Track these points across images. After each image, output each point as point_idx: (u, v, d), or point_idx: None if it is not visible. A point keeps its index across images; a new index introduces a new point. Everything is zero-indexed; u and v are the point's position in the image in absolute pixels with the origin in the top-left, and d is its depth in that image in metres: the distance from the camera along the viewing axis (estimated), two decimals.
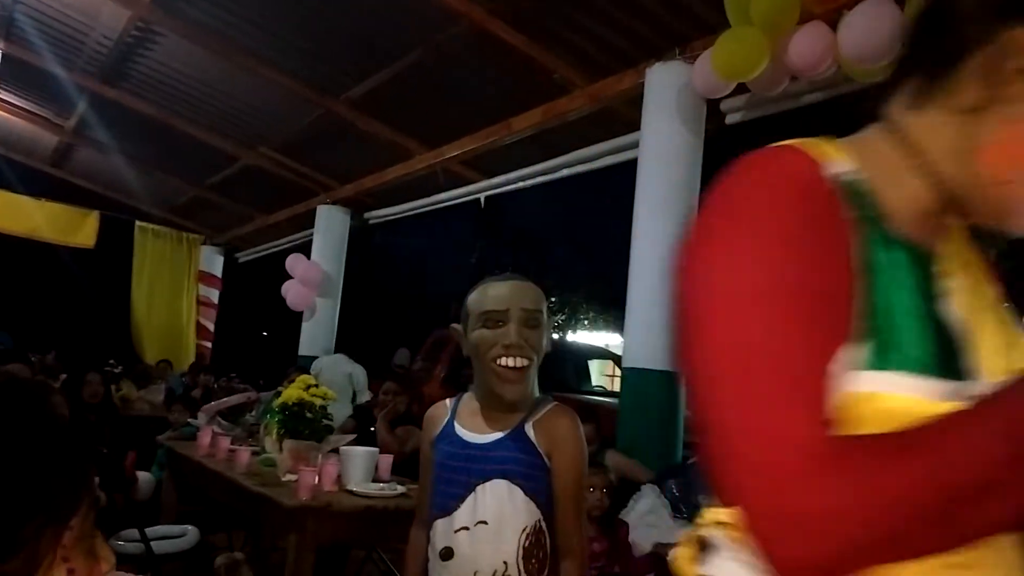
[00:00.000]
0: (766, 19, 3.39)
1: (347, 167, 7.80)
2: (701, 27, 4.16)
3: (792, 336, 0.60)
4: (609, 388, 8.47)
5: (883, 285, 0.65)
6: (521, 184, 6.44)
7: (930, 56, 0.71)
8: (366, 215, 8.54)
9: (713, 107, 4.44)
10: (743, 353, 0.60)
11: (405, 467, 3.30)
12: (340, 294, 8.40)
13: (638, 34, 4.47)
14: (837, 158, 0.70)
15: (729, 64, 3.60)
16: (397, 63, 5.59)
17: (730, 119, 4.57)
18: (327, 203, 8.40)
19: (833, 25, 3.35)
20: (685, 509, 3.23)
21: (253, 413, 4.97)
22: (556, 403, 1.69)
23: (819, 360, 0.60)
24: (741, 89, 4.01)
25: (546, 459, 1.61)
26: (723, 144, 4.67)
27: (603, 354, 9.14)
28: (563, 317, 15.10)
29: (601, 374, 9.23)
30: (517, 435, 1.62)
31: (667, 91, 4.33)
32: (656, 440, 4.12)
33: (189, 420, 4.70)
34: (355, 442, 3.31)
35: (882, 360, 0.62)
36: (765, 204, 0.64)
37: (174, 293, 11.11)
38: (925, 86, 0.71)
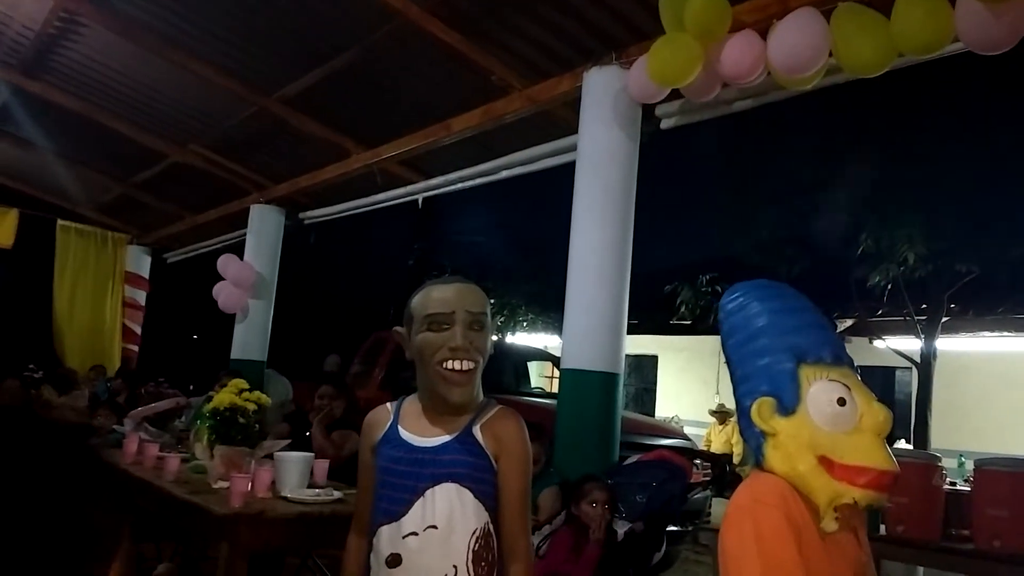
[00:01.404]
0: (699, 27, 3.46)
1: (281, 166, 7.66)
2: (637, 33, 4.23)
3: None
4: (548, 389, 8.52)
5: None
6: (460, 185, 6.43)
7: None
8: (301, 215, 8.38)
9: (648, 112, 4.52)
10: None
11: (342, 472, 3.25)
12: (274, 296, 8.22)
13: (575, 38, 4.51)
14: None
15: (663, 70, 3.66)
16: (333, 61, 5.51)
17: (665, 124, 4.66)
18: (260, 202, 8.22)
19: (764, 34, 3.44)
20: (623, 508, 3.27)
21: (183, 419, 4.82)
22: (501, 406, 1.69)
23: None
24: (675, 95, 4.09)
25: (493, 461, 1.61)
26: (658, 148, 4.78)
27: (542, 355, 9.19)
28: (502, 319, 15.11)
29: (540, 375, 9.27)
30: (465, 438, 1.62)
31: (604, 95, 4.38)
32: (593, 441, 4.16)
33: (114, 427, 4.53)
34: (290, 447, 3.24)
35: None
36: None
37: (98, 295, 10.68)
38: None
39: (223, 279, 7.92)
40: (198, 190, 8.79)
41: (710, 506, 5.09)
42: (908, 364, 10.07)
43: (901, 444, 8.71)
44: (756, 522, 1.21)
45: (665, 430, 6.89)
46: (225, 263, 7.95)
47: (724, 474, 6.24)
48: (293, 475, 2.90)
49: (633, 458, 3.92)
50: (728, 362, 1.39)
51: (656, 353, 14.51)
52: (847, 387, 1.29)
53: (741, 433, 1.36)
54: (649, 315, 11.31)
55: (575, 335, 4.33)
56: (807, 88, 3.61)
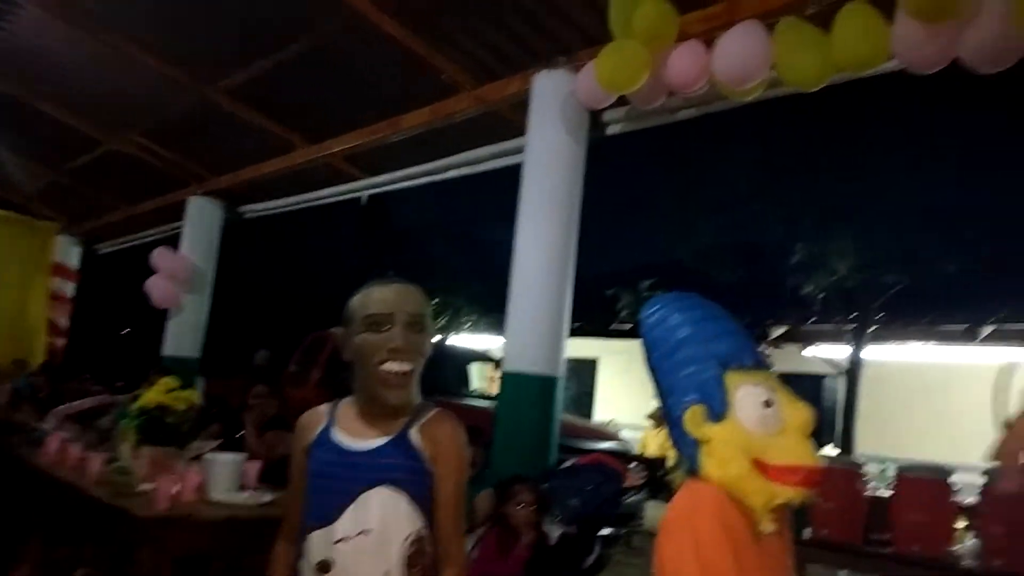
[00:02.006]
0: (647, 34, 3.50)
1: (222, 158, 7.45)
2: (587, 38, 4.25)
3: None
4: (490, 391, 8.51)
5: None
6: (407, 183, 6.38)
7: None
8: (241, 209, 8.18)
9: (596, 116, 4.55)
10: None
11: (277, 474, 3.18)
12: (210, 291, 8.00)
13: (526, 41, 4.52)
14: None
15: (611, 76, 3.69)
16: (280, 52, 5.38)
17: (611, 130, 4.70)
18: (199, 194, 7.99)
19: (709, 45, 3.50)
20: (557, 511, 3.29)
21: (109, 417, 4.65)
22: (439, 408, 1.67)
23: None
24: (623, 101, 4.13)
25: (429, 465, 1.59)
26: (605, 153, 4.82)
27: (483, 357, 9.18)
28: (445, 320, 15.05)
29: (481, 377, 9.25)
30: (401, 441, 1.60)
31: (552, 99, 4.40)
32: (531, 444, 4.17)
33: (36, 424, 4.35)
34: (222, 448, 3.16)
35: None
36: None
37: (23, 286, 10.23)
38: None
39: (157, 272, 7.67)
40: (133, 180, 8.49)
41: (644, 509, 5.17)
42: (836, 372, 10.41)
43: (828, 450, 8.98)
44: (694, 531, 1.23)
45: (602, 433, 6.97)
46: (159, 256, 7.70)
47: (659, 477, 6.33)
48: (223, 477, 2.83)
49: (569, 461, 3.95)
50: (653, 375, 1.40)
51: (596, 356, 14.65)
52: (771, 390, 1.31)
53: (674, 443, 1.37)
54: (590, 318, 11.43)
55: (517, 338, 4.33)
56: (749, 99, 3.68)
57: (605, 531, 3.49)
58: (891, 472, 3.35)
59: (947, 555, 2.94)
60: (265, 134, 6.59)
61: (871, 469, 3.64)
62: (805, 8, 3.36)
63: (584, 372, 14.93)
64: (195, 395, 3.23)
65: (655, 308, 1.42)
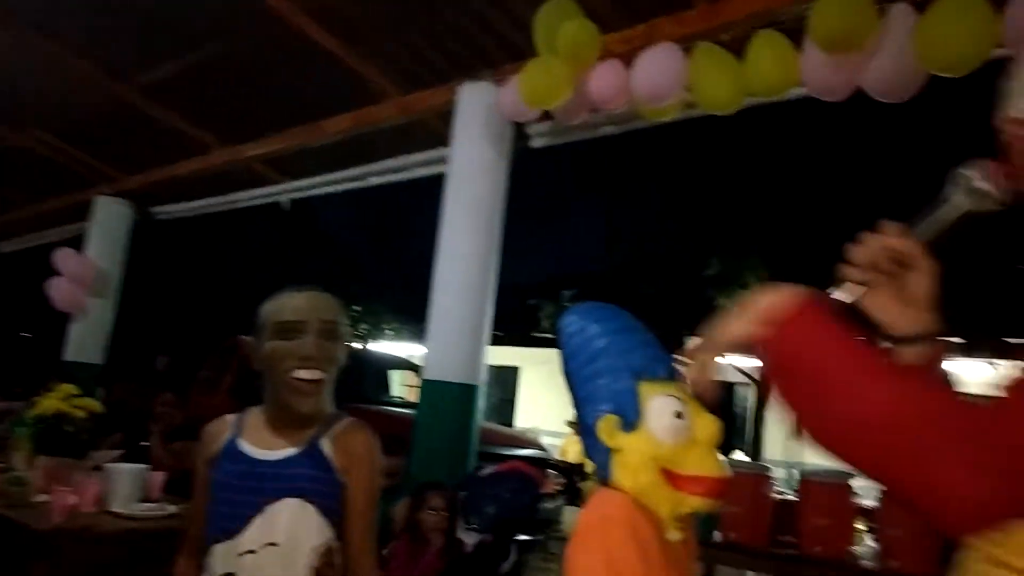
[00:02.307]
0: (569, 52, 3.57)
1: (133, 157, 7.15)
2: (511, 51, 4.28)
3: None
4: (411, 398, 8.44)
5: None
6: (328, 189, 6.28)
7: None
8: (153, 210, 7.87)
9: (520, 129, 4.60)
10: None
11: (184, 485, 3.07)
12: (117, 295, 7.65)
13: (451, 52, 4.53)
14: None
15: (534, 91, 3.74)
16: (197, 51, 5.22)
17: (535, 143, 4.76)
18: (107, 194, 7.65)
19: (629, 64, 3.58)
20: (474, 519, 3.29)
21: (3, 425, 4.39)
22: (352, 419, 1.66)
23: None
24: (547, 115, 4.19)
25: (341, 476, 1.57)
26: (528, 166, 4.88)
27: (404, 364, 9.11)
28: (367, 326, 14.86)
29: (402, 384, 9.17)
30: (311, 451, 1.57)
31: (476, 110, 4.42)
32: (450, 452, 4.16)
33: None
34: (125, 458, 3.03)
35: None
36: None
37: None
38: None
39: (59, 274, 7.30)
40: (37, 177, 8.05)
41: (562, 515, 5.22)
42: (747, 380, 10.79)
43: (737, 455, 9.28)
44: (605, 539, 1.25)
45: (521, 440, 7.00)
46: (63, 258, 7.33)
47: (577, 484, 6.41)
48: (124, 488, 2.72)
49: (487, 469, 3.96)
50: (569, 383, 1.42)
51: (518, 365, 14.74)
52: (682, 401, 1.36)
53: (586, 452, 1.39)
54: (512, 327, 11.50)
55: (438, 346, 4.33)
56: (666, 119, 3.80)
57: (522, 537, 3.52)
58: (797, 477, 3.48)
59: (848, 556, 3.07)
60: (179, 135, 6.36)
61: (779, 474, 3.78)
62: (720, 34, 3.50)
63: (506, 380, 15.00)
64: (95, 403, 3.08)
65: (574, 317, 1.44)
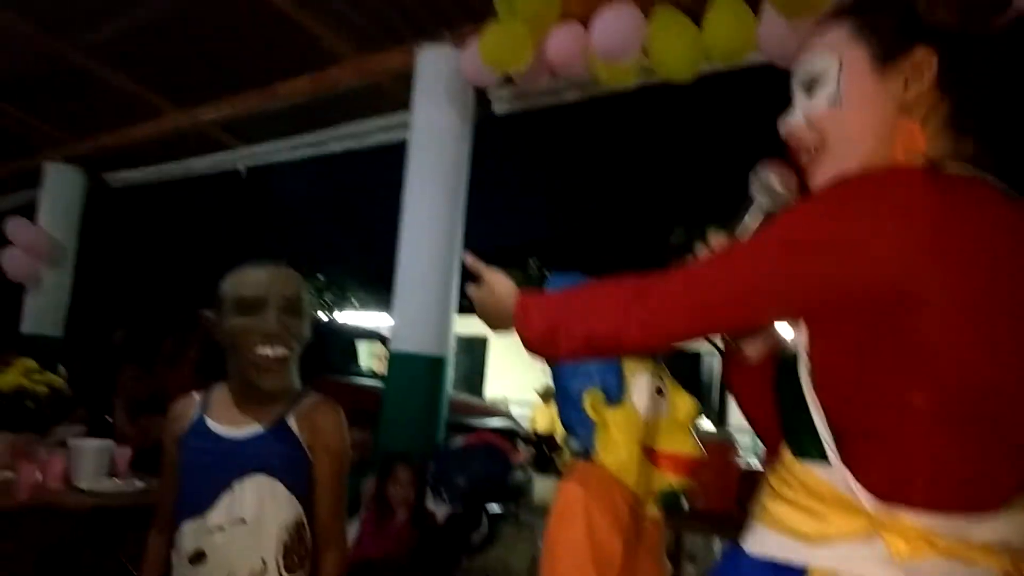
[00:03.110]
0: (529, 14, 3.52)
1: (82, 121, 6.86)
2: (470, 13, 4.16)
3: None
4: (380, 370, 8.41)
5: None
6: (286, 155, 6.16)
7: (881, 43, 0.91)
8: (106, 177, 7.64)
9: (482, 95, 4.52)
10: None
11: (151, 460, 3.02)
12: (73, 265, 7.44)
13: (408, 11, 4.40)
14: None
15: (495, 55, 3.68)
16: (143, 9, 4.99)
17: (498, 108, 4.70)
18: (56, 160, 7.39)
19: (588, 27, 3.53)
20: (445, 491, 3.30)
21: None
22: (319, 395, 1.65)
23: None
24: (509, 80, 4.12)
25: (308, 452, 1.57)
26: (492, 132, 4.82)
27: (372, 335, 9.05)
28: (332, 296, 14.73)
29: (371, 355, 9.12)
30: (278, 428, 1.57)
31: (437, 74, 4.34)
32: (419, 424, 4.15)
33: None
34: (89, 432, 2.98)
35: None
36: None
37: None
38: (878, 61, 0.90)
39: (12, 244, 7.07)
40: None
41: (532, 485, 5.27)
42: (714, 350, 10.97)
43: (704, 424, 9.47)
44: (587, 516, 1.26)
45: (491, 411, 7.04)
46: (15, 227, 7.09)
47: (547, 453, 6.47)
48: (90, 464, 2.66)
49: (457, 441, 3.97)
50: None
51: (487, 335, 14.77)
52: (662, 378, 1.36)
53: (566, 425, 1.39)
54: None
55: (405, 318, 4.29)
56: (626, 86, 3.76)
57: (493, 508, 3.55)
58: (761, 445, 3.55)
59: None
60: (129, 97, 6.12)
61: (744, 442, 3.85)
62: None
63: (475, 350, 15.02)
64: (57, 378, 3.00)
65: (559, 287, 1.43)
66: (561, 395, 1.40)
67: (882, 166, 0.87)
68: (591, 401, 1.34)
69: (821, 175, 0.93)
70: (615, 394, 1.34)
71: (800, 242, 0.83)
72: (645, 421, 1.32)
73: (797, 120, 0.96)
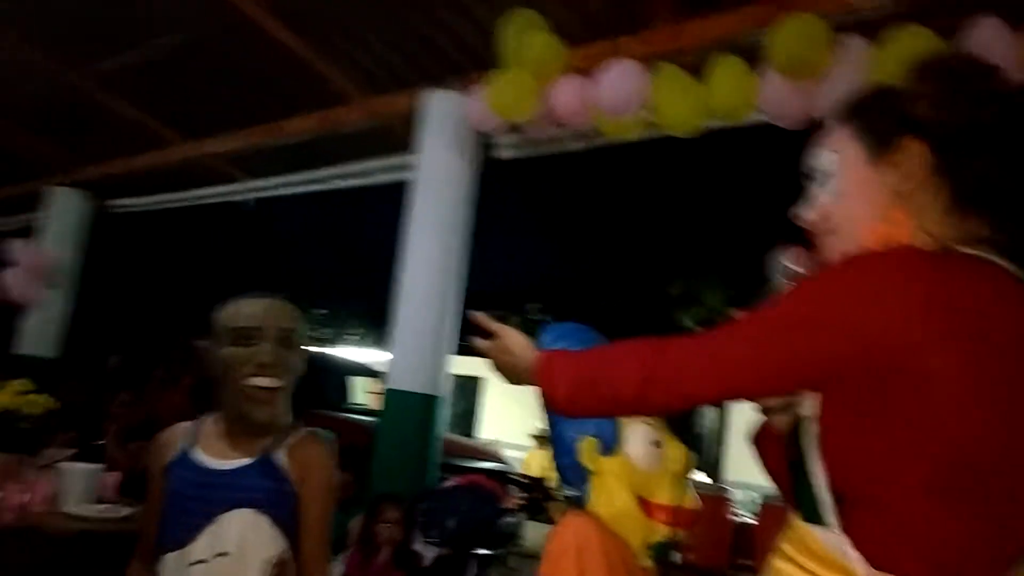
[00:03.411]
0: (534, 64, 3.59)
1: (89, 148, 6.95)
2: (477, 60, 4.23)
3: None
4: (373, 406, 8.34)
5: None
6: (289, 190, 6.21)
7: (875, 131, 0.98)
8: (110, 203, 7.69)
9: (487, 139, 4.58)
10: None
11: (139, 486, 2.99)
12: (74, 289, 7.45)
13: (416, 58, 4.50)
14: None
15: (501, 103, 3.75)
16: (157, 42, 5.09)
17: (503, 154, 4.74)
18: (62, 184, 7.45)
19: (592, 80, 3.60)
20: (435, 532, 3.26)
21: None
22: (308, 429, 1.65)
23: None
24: (515, 127, 4.18)
25: (295, 487, 1.55)
26: (495, 176, 4.87)
27: (366, 371, 8.99)
28: (331, 331, 14.68)
29: (366, 391, 9.05)
30: (266, 462, 1.56)
31: (443, 118, 4.39)
32: (411, 463, 4.12)
33: None
34: (79, 456, 2.95)
35: None
36: None
37: None
38: (872, 155, 0.97)
39: (15, 266, 7.08)
40: None
41: (523, 530, 5.19)
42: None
43: (698, 476, 9.36)
44: (580, 564, 1.25)
45: (483, 453, 6.96)
46: (17, 248, 7.12)
47: (539, 498, 6.38)
48: (77, 488, 2.63)
49: (448, 482, 3.92)
50: None
51: (482, 375, 14.68)
52: (656, 429, 1.36)
53: (561, 473, 1.39)
54: (476, 337, 11.45)
55: (401, 356, 4.28)
56: (628, 138, 3.82)
57: (481, 552, 3.50)
58: (757, 500, 3.52)
59: None
60: (137, 127, 6.21)
61: (738, 496, 3.81)
62: (682, 55, 3.54)
63: (468, 390, 14.92)
64: (49, 399, 2.99)
65: (557, 335, 1.44)
66: (556, 441, 1.39)
67: (881, 247, 0.93)
68: (586, 449, 1.33)
69: (830, 256, 1.01)
70: (610, 443, 1.33)
71: (802, 319, 0.89)
72: (640, 471, 1.31)
73: (808, 209, 1.05)
